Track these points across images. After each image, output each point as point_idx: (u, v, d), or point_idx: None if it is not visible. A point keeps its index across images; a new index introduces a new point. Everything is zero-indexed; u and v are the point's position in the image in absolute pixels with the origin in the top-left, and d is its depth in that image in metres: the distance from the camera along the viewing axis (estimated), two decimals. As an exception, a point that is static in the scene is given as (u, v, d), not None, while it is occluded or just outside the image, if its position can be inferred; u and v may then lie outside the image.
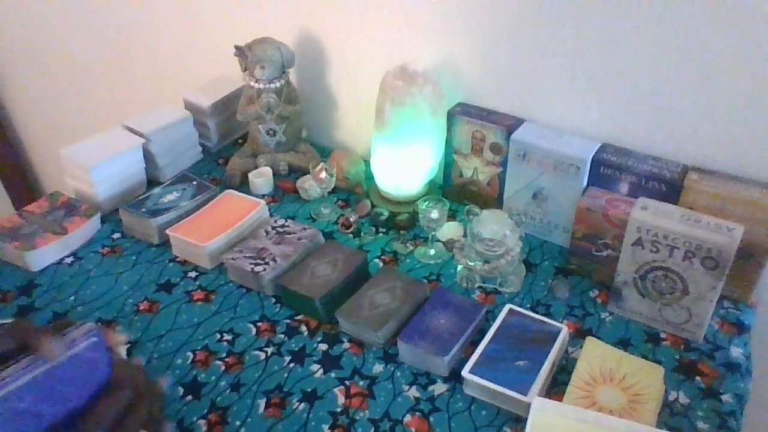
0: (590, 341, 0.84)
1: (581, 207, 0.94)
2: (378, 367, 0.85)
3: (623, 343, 0.88)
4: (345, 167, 1.18)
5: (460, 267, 0.99)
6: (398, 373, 0.84)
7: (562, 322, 0.88)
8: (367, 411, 0.79)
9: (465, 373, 0.79)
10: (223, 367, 0.85)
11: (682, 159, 0.97)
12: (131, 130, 1.20)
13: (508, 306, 0.89)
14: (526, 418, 0.71)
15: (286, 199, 1.20)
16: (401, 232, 1.10)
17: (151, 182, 1.22)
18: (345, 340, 0.89)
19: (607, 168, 0.96)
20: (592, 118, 1.03)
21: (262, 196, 1.19)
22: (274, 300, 0.96)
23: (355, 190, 1.20)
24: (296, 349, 0.88)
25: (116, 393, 0.57)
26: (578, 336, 0.88)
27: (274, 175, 1.23)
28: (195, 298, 0.97)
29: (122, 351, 0.67)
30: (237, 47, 1.18)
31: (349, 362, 0.86)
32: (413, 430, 0.77)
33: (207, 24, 1.43)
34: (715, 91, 0.91)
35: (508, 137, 1.03)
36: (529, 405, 0.72)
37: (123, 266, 1.03)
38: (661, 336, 0.89)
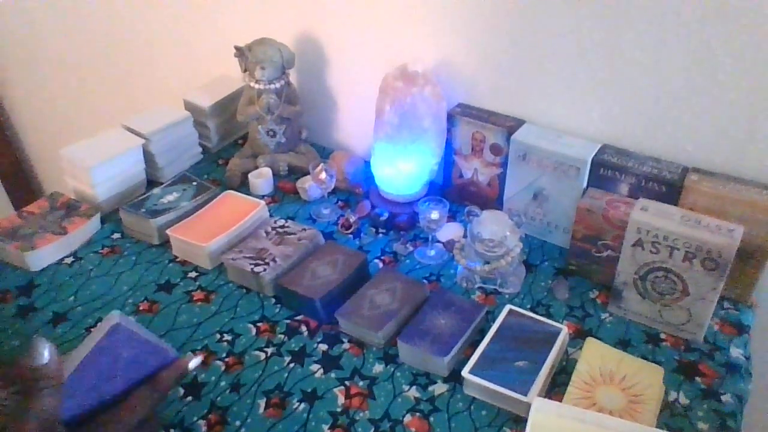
0: (590, 342, 0.84)
1: (581, 208, 0.94)
2: (378, 368, 0.85)
3: (623, 344, 0.88)
4: (345, 168, 1.18)
5: (460, 267, 0.99)
6: (398, 374, 0.84)
7: (562, 323, 0.88)
8: (367, 411, 0.79)
9: (465, 373, 0.79)
10: (223, 367, 0.85)
11: (682, 160, 0.97)
12: (131, 131, 1.19)
13: (508, 306, 0.90)
14: (526, 419, 0.71)
15: (286, 199, 1.20)
16: (401, 232, 1.10)
17: (151, 182, 1.22)
18: (345, 340, 0.89)
19: (607, 169, 0.96)
20: (592, 119, 1.03)
21: (262, 197, 1.19)
22: (274, 300, 0.96)
23: (355, 191, 1.20)
24: (296, 349, 0.88)
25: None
26: (578, 336, 0.89)
27: (274, 175, 1.23)
28: (195, 298, 0.97)
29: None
30: (237, 48, 1.18)
31: (349, 362, 0.86)
32: (413, 430, 0.77)
33: (207, 24, 1.43)
34: (715, 91, 0.91)
35: (508, 138, 1.03)
36: (529, 405, 0.72)
37: (123, 266, 1.03)
38: (661, 337, 0.89)
